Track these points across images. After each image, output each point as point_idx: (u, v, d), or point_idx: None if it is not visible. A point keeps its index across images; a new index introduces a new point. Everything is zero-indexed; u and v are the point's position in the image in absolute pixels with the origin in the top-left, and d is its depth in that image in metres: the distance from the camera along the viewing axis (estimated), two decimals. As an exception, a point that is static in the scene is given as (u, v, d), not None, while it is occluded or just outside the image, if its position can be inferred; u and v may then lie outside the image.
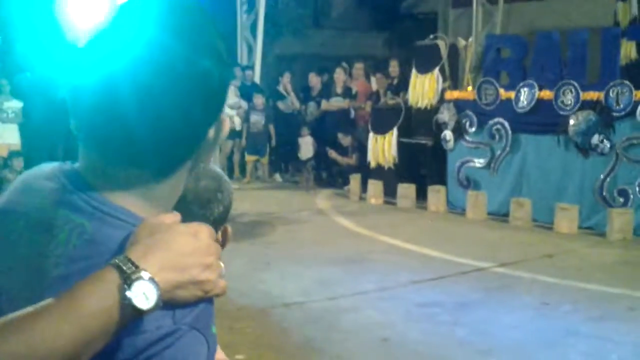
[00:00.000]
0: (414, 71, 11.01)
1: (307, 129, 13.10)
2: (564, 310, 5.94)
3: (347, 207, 10.83)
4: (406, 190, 10.70)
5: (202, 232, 1.03)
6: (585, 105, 8.99)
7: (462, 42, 11.10)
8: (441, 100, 10.61)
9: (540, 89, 9.41)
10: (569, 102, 9.09)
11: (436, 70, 10.73)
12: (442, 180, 10.55)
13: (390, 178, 10.98)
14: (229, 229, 1.73)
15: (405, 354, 5.03)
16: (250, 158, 13.38)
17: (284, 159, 14.14)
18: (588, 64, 9.27)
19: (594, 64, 9.25)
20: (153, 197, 1.06)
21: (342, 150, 12.40)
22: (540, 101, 9.39)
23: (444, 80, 10.83)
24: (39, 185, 1.10)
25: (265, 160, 13.55)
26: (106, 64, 0.99)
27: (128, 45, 0.98)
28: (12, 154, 10.33)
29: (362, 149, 11.88)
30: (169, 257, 0.98)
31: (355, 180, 11.46)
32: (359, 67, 13.19)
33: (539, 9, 14.53)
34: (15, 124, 11.14)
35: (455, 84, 11.13)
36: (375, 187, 11.10)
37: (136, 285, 0.93)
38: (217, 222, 1.66)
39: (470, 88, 10.46)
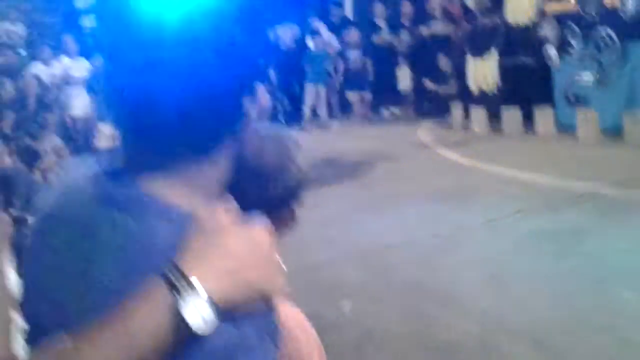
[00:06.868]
0: (510, -15, 10.46)
1: (403, 59, 12.75)
2: (686, 230, 5.55)
3: (450, 137, 10.50)
4: (511, 115, 10.24)
5: (258, 231, 0.98)
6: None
7: (560, -49, 10.40)
8: (541, 15, 10.04)
9: (650, -9, 8.70)
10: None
11: (534, -17, 10.15)
12: (549, 100, 10.02)
13: (495, 103, 10.53)
14: (295, 211, 1.51)
15: (516, 289, 4.83)
16: (352, 95, 13.17)
17: (384, 93, 13.85)
18: None
19: None
20: (196, 183, 1.02)
21: (442, 78, 11.98)
22: (649, 5, 8.70)
23: (543, -8, 10.23)
24: (78, 186, 1.06)
25: (367, 95, 13.31)
26: (136, 46, 0.95)
27: (158, 22, 0.95)
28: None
29: (461, 75, 11.44)
30: (223, 264, 0.92)
31: (457, 108, 11.08)
32: None
33: None
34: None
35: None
36: (478, 114, 10.69)
37: (189, 303, 0.89)
38: (284, 197, 1.45)
39: (571, -1, 9.83)
